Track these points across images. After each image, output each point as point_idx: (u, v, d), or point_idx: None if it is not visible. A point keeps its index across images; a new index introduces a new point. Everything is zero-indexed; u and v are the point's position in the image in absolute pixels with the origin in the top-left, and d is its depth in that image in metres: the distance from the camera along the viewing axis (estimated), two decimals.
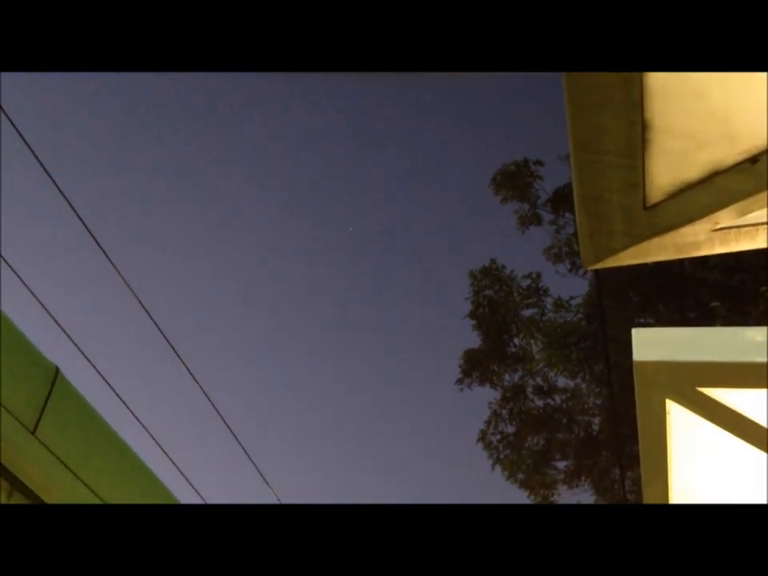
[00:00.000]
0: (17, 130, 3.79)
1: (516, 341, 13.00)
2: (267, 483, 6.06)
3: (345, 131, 23.54)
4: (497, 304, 12.82)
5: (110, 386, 4.28)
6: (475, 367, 13.00)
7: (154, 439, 4.67)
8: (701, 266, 10.45)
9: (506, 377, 13.16)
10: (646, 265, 11.11)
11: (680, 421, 2.59)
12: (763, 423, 2.41)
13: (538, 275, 12.79)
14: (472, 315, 12.98)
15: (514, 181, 12.38)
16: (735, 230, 2.14)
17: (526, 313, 12.78)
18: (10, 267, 3.61)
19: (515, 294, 12.83)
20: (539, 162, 12.55)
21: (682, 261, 10.09)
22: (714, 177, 1.90)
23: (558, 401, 13.01)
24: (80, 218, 4.24)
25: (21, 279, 3.72)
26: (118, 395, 4.35)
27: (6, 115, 3.71)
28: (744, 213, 1.99)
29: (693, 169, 1.91)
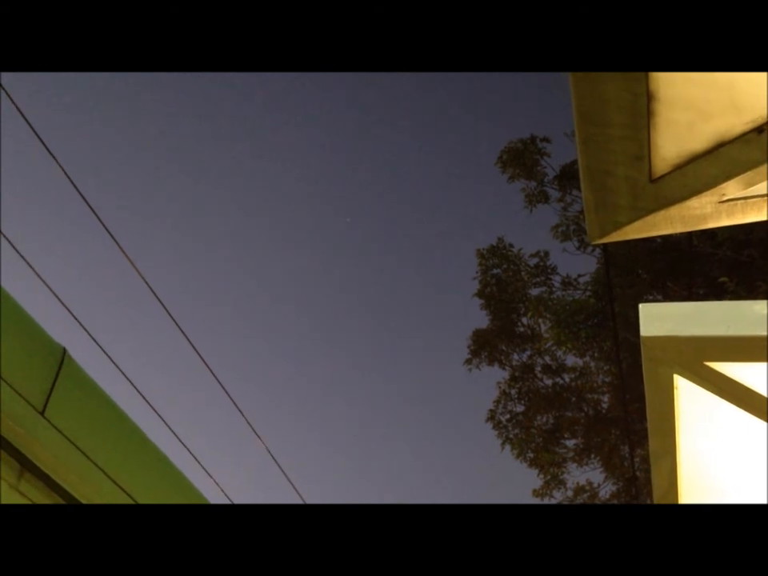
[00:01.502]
0: (17, 108, 3.78)
1: (524, 320, 12.99)
2: (281, 469, 6.09)
3: (352, 113, 23.44)
4: (504, 283, 12.80)
5: (136, 389, 4.31)
6: (483, 347, 13.00)
7: (183, 444, 4.72)
8: (710, 241, 10.39)
9: (515, 356, 13.17)
10: (654, 241, 11.06)
11: (688, 395, 2.58)
12: None
13: (546, 253, 12.75)
14: (480, 294, 12.96)
15: (521, 158, 12.29)
16: (742, 201, 2.12)
17: (534, 291, 12.77)
18: (14, 248, 3.62)
19: (523, 273, 12.80)
20: (546, 139, 12.47)
21: (690, 237, 10.03)
22: (719, 148, 1.88)
23: (567, 379, 13.01)
24: (85, 199, 4.25)
25: (25, 260, 3.73)
26: (149, 403, 4.39)
27: (8, 94, 3.70)
28: (750, 184, 1.97)
29: (698, 140, 1.89)
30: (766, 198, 2.09)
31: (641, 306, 2.39)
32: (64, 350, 3.10)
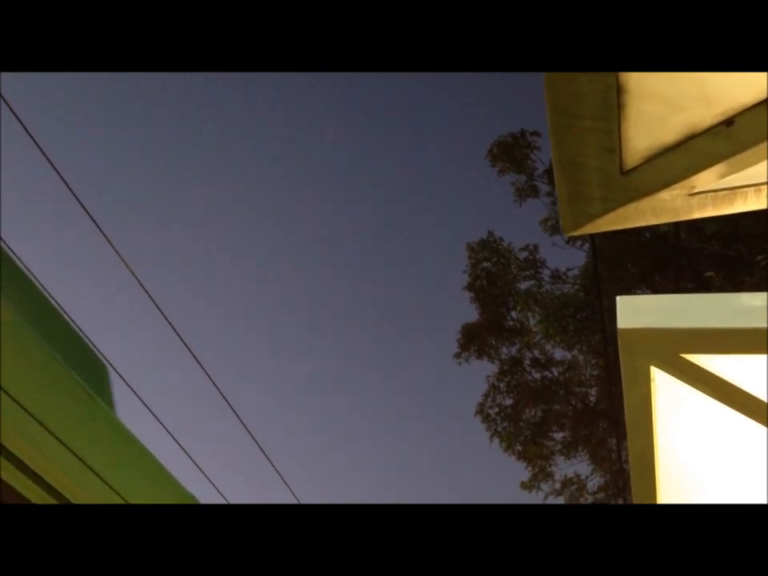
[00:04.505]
0: (15, 114, 3.77)
1: (513, 313, 13.03)
2: (278, 472, 6.10)
3: (339, 106, 23.38)
4: (494, 276, 12.83)
5: (131, 388, 4.32)
6: (473, 341, 13.04)
7: (180, 445, 4.74)
8: (697, 236, 10.44)
9: (504, 350, 13.22)
10: (642, 236, 11.10)
11: (665, 387, 2.60)
12: (747, 388, 2.42)
13: (536, 247, 12.78)
14: (470, 288, 12.99)
15: (511, 152, 12.30)
16: (712, 194, 2.13)
17: (524, 285, 12.80)
18: (13, 253, 3.61)
19: (512, 267, 12.82)
20: (536, 133, 12.47)
21: (678, 232, 10.07)
22: (690, 140, 1.89)
23: (555, 373, 13.07)
24: (83, 206, 4.23)
25: (24, 264, 3.72)
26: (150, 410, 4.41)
27: (4, 100, 3.69)
28: (721, 176, 1.98)
29: (669, 132, 1.90)
30: (736, 190, 2.10)
31: (618, 298, 2.40)
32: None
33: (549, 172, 12.49)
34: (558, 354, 13.02)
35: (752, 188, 2.09)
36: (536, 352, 13.12)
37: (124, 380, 4.20)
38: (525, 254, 12.79)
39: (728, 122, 1.84)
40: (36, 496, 2.86)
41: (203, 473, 4.99)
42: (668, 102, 1.87)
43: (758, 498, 2.85)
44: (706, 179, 1.98)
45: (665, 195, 2.03)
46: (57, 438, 2.91)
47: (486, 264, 12.89)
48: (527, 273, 12.77)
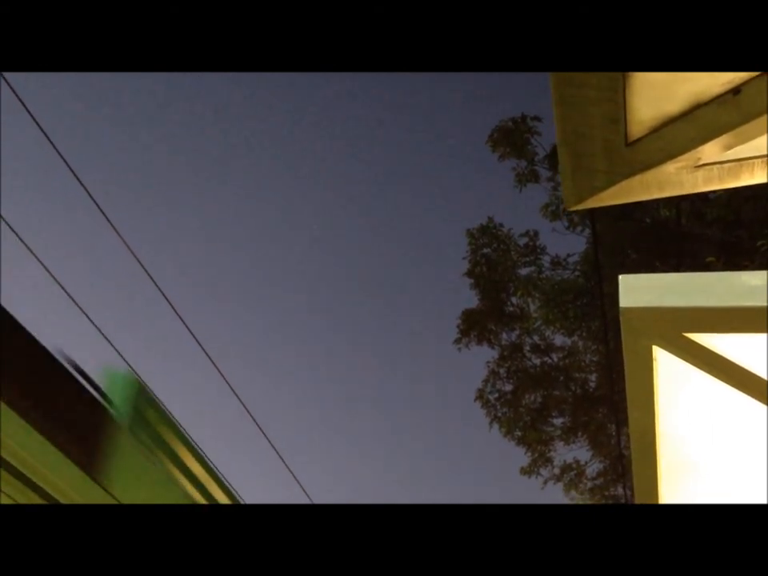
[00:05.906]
0: (17, 96, 3.74)
1: (513, 299, 13.03)
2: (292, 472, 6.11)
3: (341, 91, 23.30)
4: (494, 263, 12.80)
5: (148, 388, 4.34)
6: (473, 326, 13.03)
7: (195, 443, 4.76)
8: (698, 222, 10.42)
9: (504, 335, 13.22)
10: (643, 221, 11.07)
11: (667, 367, 2.58)
12: (749, 367, 2.41)
13: (536, 233, 12.74)
14: (469, 274, 12.97)
15: (512, 137, 12.23)
16: (718, 166, 2.10)
17: (524, 271, 12.79)
18: (20, 239, 3.59)
19: (512, 253, 12.80)
20: (537, 118, 12.40)
21: (678, 217, 10.04)
22: (696, 110, 1.86)
23: (555, 359, 13.09)
24: (83, 185, 4.20)
25: (30, 249, 3.70)
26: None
27: (7, 82, 3.67)
28: (727, 147, 1.95)
29: (674, 102, 1.87)
30: (741, 162, 2.08)
31: (621, 276, 2.37)
32: None
33: (549, 157, 12.43)
34: (558, 339, 13.04)
35: (758, 160, 2.06)
36: (536, 338, 13.13)
37: (142, 380, 4.23)
38: (525, 240, 12.75)
39: (735, 90, 1.81)
40: (24, 497, 2.85)
41: (219, 472, 5.01)
42: None
43: (759, 480, 2.84)
44: (712, 150, 1.95)
45: (670, 168, 2.00)
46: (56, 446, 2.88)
47: (485, 250, 12.86)
48: (527, 259, 12.75)
